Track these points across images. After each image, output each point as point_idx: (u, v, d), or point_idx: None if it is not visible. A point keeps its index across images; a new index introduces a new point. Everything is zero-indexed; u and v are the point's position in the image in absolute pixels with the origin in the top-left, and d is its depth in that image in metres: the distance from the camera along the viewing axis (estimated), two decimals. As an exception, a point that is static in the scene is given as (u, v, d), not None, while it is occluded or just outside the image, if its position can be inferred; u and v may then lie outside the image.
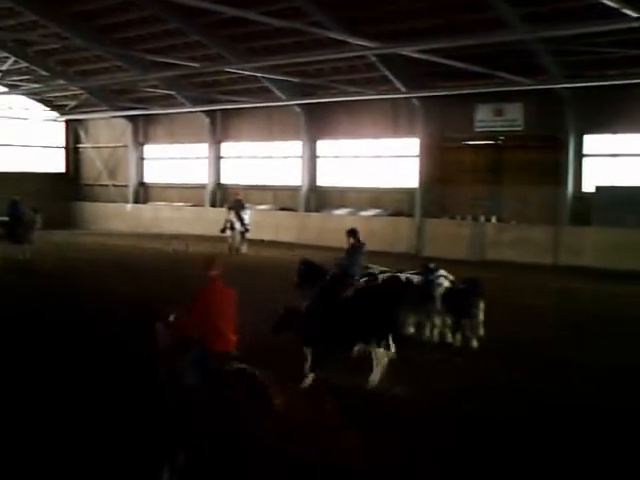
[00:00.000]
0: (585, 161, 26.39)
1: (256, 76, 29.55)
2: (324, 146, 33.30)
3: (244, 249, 27.53)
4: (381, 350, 10.44)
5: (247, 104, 32.35)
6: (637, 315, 16.23)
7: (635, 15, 17.10)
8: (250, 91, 33.07)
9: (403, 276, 13.46)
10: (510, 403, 9.68)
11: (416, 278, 13.26)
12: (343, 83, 29.36)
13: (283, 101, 31.64)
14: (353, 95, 29.20)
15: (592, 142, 26.31)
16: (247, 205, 29.21)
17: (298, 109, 32.72)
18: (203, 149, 37.36)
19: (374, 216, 30.22)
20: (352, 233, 13.01)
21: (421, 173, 29.54)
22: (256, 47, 28.63)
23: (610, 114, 25.32)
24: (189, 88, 34.19)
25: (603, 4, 16.32)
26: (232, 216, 27.61)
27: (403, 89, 27.89)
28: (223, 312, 7.84)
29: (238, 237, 27.70)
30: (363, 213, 30.72)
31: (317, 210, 32.80)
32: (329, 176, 33.16)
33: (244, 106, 32.76)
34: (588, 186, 26.10)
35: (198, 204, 37.32)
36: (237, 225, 27.54)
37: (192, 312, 7.75)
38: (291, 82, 29.82)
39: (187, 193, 38.22)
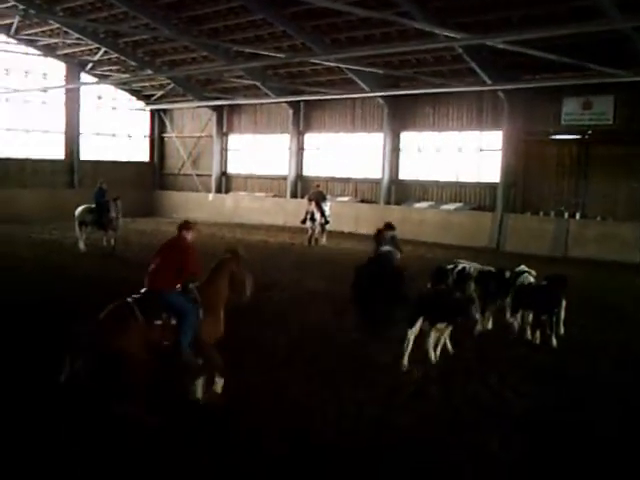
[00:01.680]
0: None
1: (340, 67, 29.56)
2: (406, 138, 33.07)
3: (324, 240, 27.62)
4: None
5: (331, 95, 32.39)
6: None
7: None
8: (334, 82, 33.15)
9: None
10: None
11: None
12: (427, 75, 29.15)
13: (366, 93, 31.57)
14: (437, 87, 28.94)
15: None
16: (328, 197, 29.29)
17: (381, 101, 32.63)
18: (286, 140, 37.55)
19: (455, 210, 29.87)
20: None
21: (504, 167, 29.06)
22: (341, 38, 28.62)
23: None
24: (274, 79, 34.44)
25: None
26: (312, 207, 27.69)
27: (489, 81, 27.47)
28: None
29: (318, 228, 27.80)
30: (444, 207, 30.41)
31: (397, 203, 32.64)
32: (411, 169, 32.95)
33: (328, 97, 32.81)
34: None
35: (279, 195, 37.58)
36: (317, 216, 27.61)
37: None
38: (375, 74, 29.76)
39: (269, 184, 38.52)
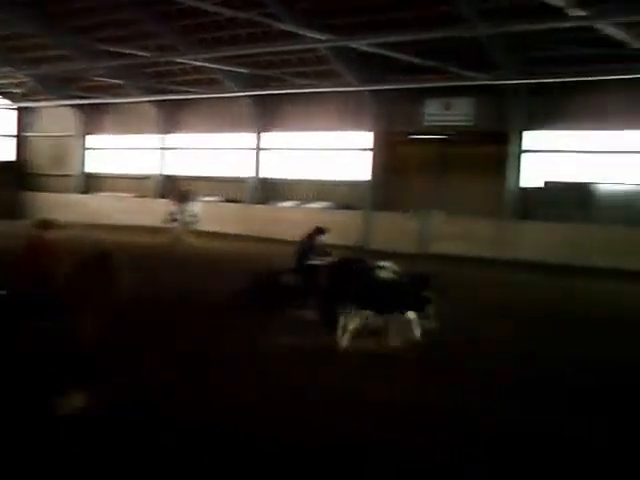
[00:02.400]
0: (531, 156, 26.89)
1: (207, 67, 29.43)
2: (274, 138, 33.30)
3: (189, 241, 27.29)
4: None
5: (197, 95, 32.20)
6: (585, 307, 16.53)
7: (584, 14, 17.52)
8: (201, 82, 33.00)
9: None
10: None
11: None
12: (295, 75, 29.44)
13: (233, 92, 31.55)
14: (304, 87, 29.28)
15: (537, 138, 26.80)
16: (194, 196, 29.04)
17: (248, 101, 32.67)
18: (152, 140, 37.05)
19: (321, 209, 30.25)
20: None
21: (370, 166, 29.78)
22: (208, 38, 28.54)
23: (558, 111, 25.84)
24: (140, 78, 33.91)
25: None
26: (176, 207, 27.38)
27: (354, 82, 28.05)
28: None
29: (182, 228, 27.45)
30: (311, 205, 30.74)
31: (265, 202, 32.78)
32: (278, 168, 33.19)
33: (195, 97, 32.60)
34: (532, 181, 26.73)
35: (145, 195, 37.02)
36: (181, 217, 27.29)
37: None
38: (242, 74, 29.81)
39: (134, 184, 37.90)
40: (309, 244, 13.77)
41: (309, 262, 13.37)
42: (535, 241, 24.89)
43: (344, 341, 10.85)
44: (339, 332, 10.89)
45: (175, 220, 27.14)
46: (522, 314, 14.89)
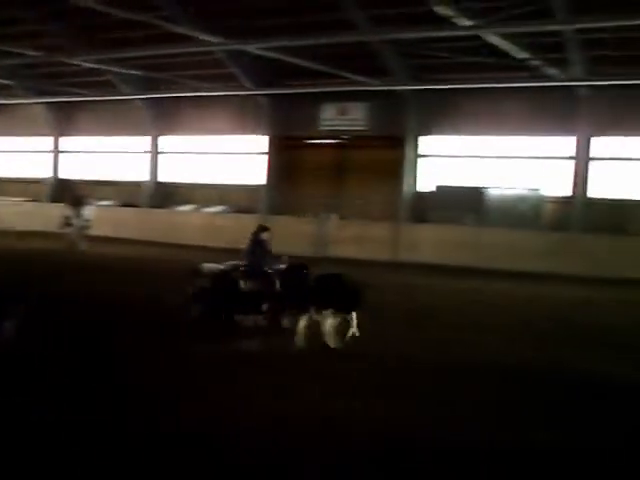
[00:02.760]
0: (425, 161, 27.53)
1: (100, 69, 28.92)
2: (170, 142, 33.06)
3: (83, 246, 26.70)
4: None
5: (91, 97, 31.63)
6: (469, 308, 16.77)
7: (471, 24, 18.09)
8: (94, 84, 32.35)
9: None
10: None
11: None
12: (190, 78, 29.23)
13: (128, 95, 31.14)
14: (200, 91, 29.13)
15: (432, 143, 27.49)
16: (88, 201, 28.44)
17: (143, 104, 32.30)
18: (44, 143, 36.18)
19: (219, 213, 30.18)
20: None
21: (265, 170, 29.91)
22: (102, 39, 28.04)
23: (450, 116, 26.55)
24: (31, 79, 33.03)
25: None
26: (70, 212, 26.78)
27: (250, 86, 28.08)
28: None
29: (77, 233, 26.85)
30: (208, 209, 30.62)
31: (162, 206, 32.46)
32: (175, 172, 32.97)
33: (87, 99, 32.00)
34: (428, 185, 27.33)
35: (38, 199, 36.09)
36: (76, 221, 26.70)
37: None
38: (137, 76, 29.43)
39: (27, 188, 36.88)
40: (259, 245, 13.32)
41: (267, 268, 13.08)
42: (428, 244, 25.38)
43: (299, 342, 11.05)
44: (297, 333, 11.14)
45: (70, 225, 26.52)
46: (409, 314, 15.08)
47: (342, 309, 11.17)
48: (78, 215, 26.38)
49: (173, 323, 12.70)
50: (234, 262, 13.44)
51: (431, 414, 8.04)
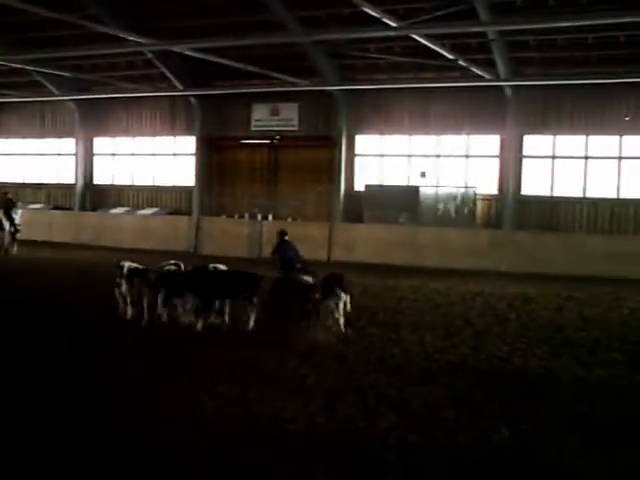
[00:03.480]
0: (358, 160, 27.62)
1: (27, 69, 28.25)
2: (101, 143, 32.55)
3: (14, 250, 26.07)
4: None
5: (16, 98, 30.90)
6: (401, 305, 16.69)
7: (394, 25, 18.22)
8: (20, 85, 31.61)
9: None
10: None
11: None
12: (120, 79, 28.85)
13: (56, 96, 30.52)
14: (130, 92, 28.76)
15: (363, 142, 27.59)
16: (18, 204, 27.78)
17: (73, 105, 31.70)
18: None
19: (152, 214, 29.82)
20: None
21: (198, 171, 29.69)
22: (27, 38, 27.39)
23: (379, 116, 26.72)
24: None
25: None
26: (0, 215, 26.06)
27: (180, 87, 27.84)
28: None
29: (8, 238, 26.16)
30: (141, 212, 30.24)
31: (94, 209, 31.92)
32: (106, 174, 32.47)
33: (13, 100, 31.26)
34: (361, 185, 27.41)
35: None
36: (6, 225, 26.00)
37: None
38: (65, 77, 28.82)
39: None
40: (287, 245, 14.84)
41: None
42: (362, 243, 25.47)
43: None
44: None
45: (2, 229, 25.81)
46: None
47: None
48: (8, 219, 25.66)
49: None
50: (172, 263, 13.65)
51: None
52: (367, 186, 26.53)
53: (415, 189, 25.49)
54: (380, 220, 25.36)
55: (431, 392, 9.02)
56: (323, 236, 25.93)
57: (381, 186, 26.45)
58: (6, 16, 25.55)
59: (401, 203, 25.24)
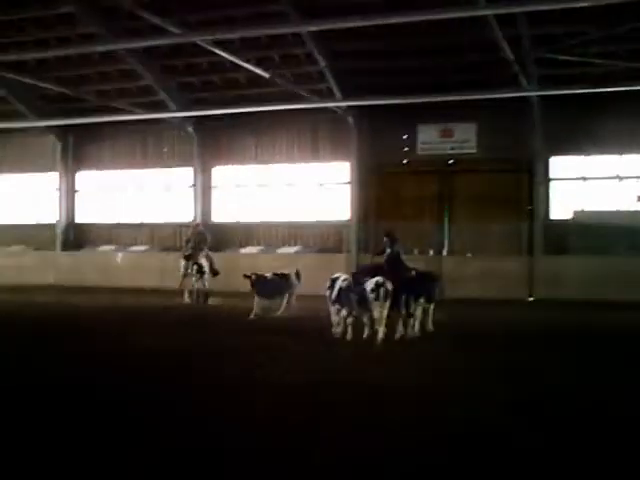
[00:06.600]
0: (552, 185, 25.06)
1: None
2: (221, 173, 28.86)
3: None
4: None
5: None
6: None
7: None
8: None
9: None
10: None
11: None
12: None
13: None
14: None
15: (559, 164, 25.00)
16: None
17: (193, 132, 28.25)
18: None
19: (295, 253, 26.30)
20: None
21: (354, 202, 26.31)
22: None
23: (581, 133, 23.77)
24: None
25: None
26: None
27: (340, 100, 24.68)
28: None
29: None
30: (280, 250, 26.90)
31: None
32: (224, 210, 28.75)
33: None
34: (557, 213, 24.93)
35: None
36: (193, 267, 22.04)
37: None
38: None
39: None
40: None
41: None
42: (569, 277, 22.49)
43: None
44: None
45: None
46: None
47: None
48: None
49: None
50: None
51: None
52: (576, 212, 23.45)
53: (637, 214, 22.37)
54: (593, 251, 22.79)
55: None
56: (520, 271, 22.51)
57: (597, 212, 23.25)
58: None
59: (621, 231, 22.01)
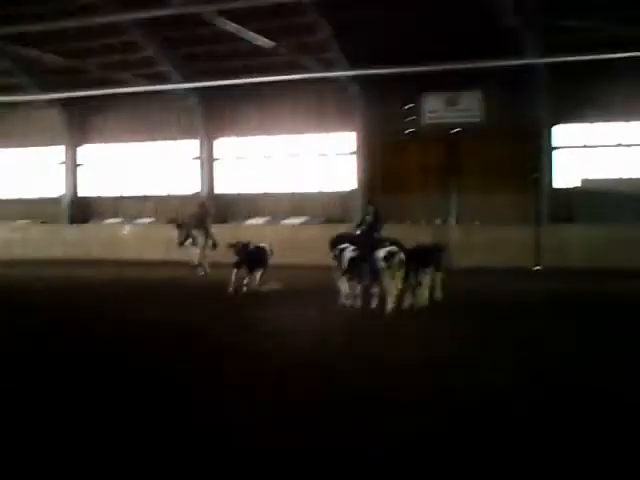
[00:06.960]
0: (555, 154, 25.01)
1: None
2: (225, 145, 28.82)
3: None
4: None
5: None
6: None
7: None
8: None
9: None
10: None
11: None
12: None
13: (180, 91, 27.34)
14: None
15: (562, 133, 24.95)
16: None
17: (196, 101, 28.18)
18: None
19: (301, 224, 26.22)
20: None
21: (360, 172, 26.10)
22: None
23: (587, 100, 23.69)
24: None
25: None
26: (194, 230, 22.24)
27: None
28: None
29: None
30: (286, 221, 26.70)
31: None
32: (228, 181, 28.84)
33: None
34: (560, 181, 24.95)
35: None
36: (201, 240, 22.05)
37: None
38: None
39: None
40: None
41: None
42: (574, 245, 22.41)
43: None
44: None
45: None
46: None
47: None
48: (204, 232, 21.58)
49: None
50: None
51: None
52: (584, 181, 23.17)
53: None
54: (599, 219, 22.45)
55: None
56: (526, 240, 22.46)
57: (603, 180, 23.04)
58: None
59: (627, 198, 21.95)
